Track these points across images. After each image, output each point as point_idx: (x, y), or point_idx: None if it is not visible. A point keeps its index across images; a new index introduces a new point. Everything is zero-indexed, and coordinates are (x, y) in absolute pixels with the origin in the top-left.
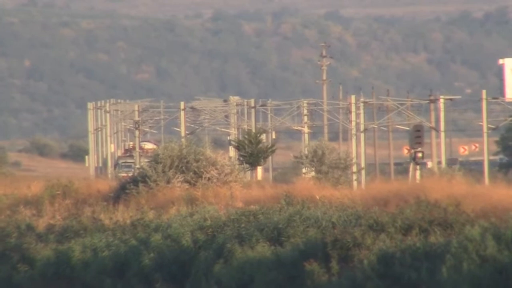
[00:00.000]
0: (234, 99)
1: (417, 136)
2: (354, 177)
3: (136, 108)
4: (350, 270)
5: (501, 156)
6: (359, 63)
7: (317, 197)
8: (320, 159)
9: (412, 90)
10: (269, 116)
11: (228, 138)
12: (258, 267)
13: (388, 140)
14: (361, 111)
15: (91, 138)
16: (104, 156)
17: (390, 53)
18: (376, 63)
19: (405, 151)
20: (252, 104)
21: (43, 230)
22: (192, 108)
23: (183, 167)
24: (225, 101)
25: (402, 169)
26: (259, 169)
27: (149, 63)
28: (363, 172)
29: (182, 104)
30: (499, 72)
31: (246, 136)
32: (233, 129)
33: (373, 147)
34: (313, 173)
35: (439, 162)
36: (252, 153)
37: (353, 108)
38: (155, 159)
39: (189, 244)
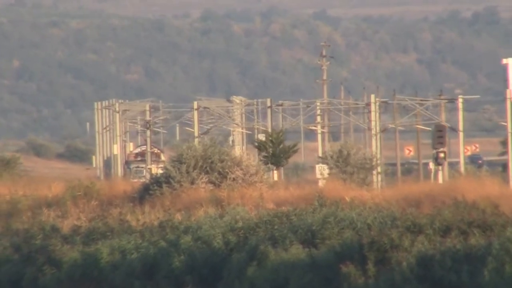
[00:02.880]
0: (238, 99)
1: (439, 136)
2: (379, 178)
3: (147, 108)
4: (388, 272)
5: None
6: (348, 63)
7: (347, 198)
8: (345, 159)
9: (402, 91)
10: (280, 116)
11: (231, 138)
12: (293, 270)
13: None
14: (374, 110)
15: (98, 138)
16: (105, 158)
17: (379, 53)
18: (365, 63)
19: (406, 152)
20: (268, 104)
21: (68, 232)
22: (205, 108)
23: (208, 168)
24: (228, 101)
25: (404, 170)
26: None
27: (139, 63)
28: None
29: (195, 104)
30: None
31: (267, 137)
32: (242, 129)
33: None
34: (326, 174)
35: (439, 163)
36: (274, 153)
37: (372, 108)
38: (178, 159)
39: (220, 246)
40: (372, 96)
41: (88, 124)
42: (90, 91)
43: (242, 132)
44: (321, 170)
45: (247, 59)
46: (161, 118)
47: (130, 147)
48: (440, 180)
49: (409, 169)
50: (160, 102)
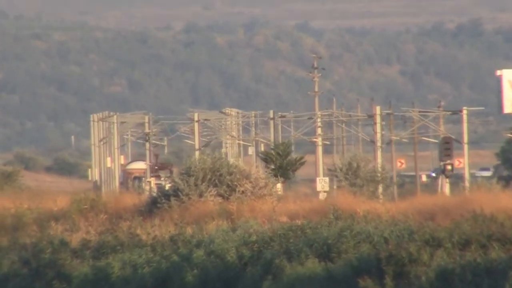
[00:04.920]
0: (234, 111)
1: (446, 148)
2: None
3: (146, 120)
4: (406, 287)
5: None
6: (332, 75)
7: (359, 211)
8: (355, 172)
9: (385, 102)
10: (279, 127)
11: (223, 150)
12: (309, 284)
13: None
14: (379, 122)
15: (94, 150)
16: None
17: (363, 64)
18: (349, 74)
19: (398, 164)
20: (271, 116)
21: (77, 246)
22: (206, 120)
23: (216, 180)
24: (222, 113)
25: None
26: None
27: (122, 75)
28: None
29: (196, 116)
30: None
31: (274, 149)
32: (239, 141)
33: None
34: (327, 187)
35: (446, 175)
36: (281, 165)
37: (377, 120)
38: (187, 172)
39: (234, 260)
40: (378, 108)
41: (73, 137)
42: (74, 103)
43: (240, 144)
44: (322, 183)
45: (230, 71)
46: (154, 130)
47: (121, 159)
48: (447, 192)
49: (401, 182)
50: (150, 114)
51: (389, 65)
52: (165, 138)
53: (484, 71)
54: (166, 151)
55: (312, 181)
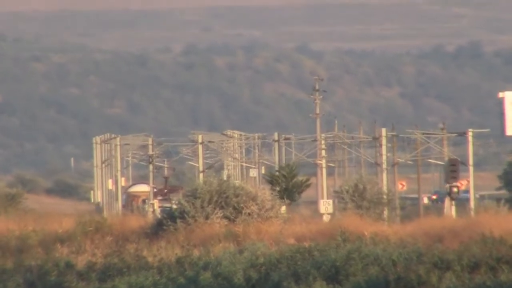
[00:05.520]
0: (236, 133)
1: (452, 170)
2: (397, 213)
3: (149, 142)
4: None
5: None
6: (331, 96)
7: (366, 233)
8: (362, 194)
9: (385, 124)
10: (283, 149)
11: (225, 172)
12: None
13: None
14: (384, 144)
15: (96, 172)
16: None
17: (362, 86)
18: (348, 96)
19: (400, 186)
20: (276, 138)
21: (83, 268)
22: (210, 142)
23: (223, 202)
24: (224, 135)
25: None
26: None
27: (121, 97)
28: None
29: (200, 137)
30: (475, 106)
31: (280, 171)
32: (243, 163)
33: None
34: (330, 209)
35: (452, 198)
36: (287, 187)
37: (383, 142)
38: (193, 194)
39: (241, 283)
40: (383, 130)
41: (72, 159)
42: (73, 125)
43: (242, 165)
44: (326, 205)
45: (230, 93)
46: (157, 152)
47: (122, 181)
48: (453, 215)
49: (403, 205)
50: (151, 136)
51: (389, 87)
52: (165, 160)
53: (483, 93)
54: (166, 172)
55: (313, 203)
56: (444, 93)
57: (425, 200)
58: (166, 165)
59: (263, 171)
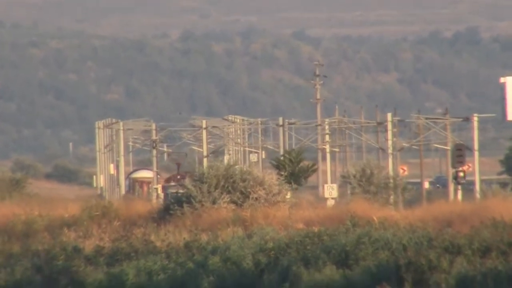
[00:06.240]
0: (239, 118)
1: (459, 155)
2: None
3: (153, 127)
4: None
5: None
6: (329, 82)
7: (375, 218)
8: (369, 178)
9: (383, 110)
10: (287, 134)
11: (225, 157)
12: None
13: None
14: (390, 129)
15: (99, 157)
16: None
17: (360, 72)
18: (346, 82)
19: (401, 171)
20: (281, 123)
21: (91, 253)
22: (214, 127)
23: (230, 187)
24: (225, 120)
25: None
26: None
27: (119, 83)
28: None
29: (204, 123)
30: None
31: (286, 155)
32: (246, 148)
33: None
34: (334, 194)
35: (459, 182)
36: (293, 172)
37: (389, 126)
38: (200, 179)
39: (250, 267)
40: (389, 115)
41: (71, 144)
42: (71, 111)
43: (245, 150)
44: (330, 190)
45: (227, 79)
46: (157, 137)
47: (120, 166)
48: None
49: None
50: (151, 121)
51: (386, 73)
52: (165, 145)
53: (481, 79)
54: (165, 158)
55: (314, 188)
56: (442, 79)
57: (426, 185)
58: (166, 150)
59: (263, 157)
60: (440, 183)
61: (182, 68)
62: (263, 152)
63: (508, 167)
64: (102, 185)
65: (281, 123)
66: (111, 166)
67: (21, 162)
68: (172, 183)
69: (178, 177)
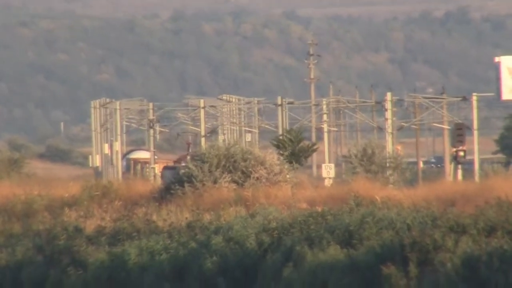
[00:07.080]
0: (234, 97)
1: (459, 134)
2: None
3: (150, 106)
4: (431, 274)
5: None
6: (320, 62)
7: (377, 198)
8: (370, 158)
9: (374, 90)
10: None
11: (221, 137)
12: (331, 271)
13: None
14: (390, 108)
15: (94, 137)
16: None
17: (351, 52)
18: (337, 62)
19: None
20: (279, 102)
21: (92, 232)
22: (211, 106)
23: (231, 167)
24: (219, 99)
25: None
26: None
27: (109, 63)
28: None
29: (202, 102)
30: (463, 71)
31: (287, 135)
32: (242, 127)
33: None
34: (332, 174)
35: (459, 162)
36: (293, 152)
37: (388, 106)
38: (201, 158)
39: (253, 247)
40: (388, 94)
41: (62, 124)
42: (61, 91)
43: (241, 129)
44: (328, 169)
45: (218, 58)
46: (154, 117)
47: (117, 146)
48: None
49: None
50: (145, 100)
51: (377, 53)
52: (157, 125)
53: (472, 59)
54: (158, 138)
55: (309, 167)
56: (433, 59)
57: (421, 165)
58: (159, 128)
59: (257, 137)
60: (440, 163)
61: (172, 48)
62: (257, 132)
63: (503, 146)
64: (98, 165)
65: (279, 102)
66: (106, 145)
67: (13, 142)
68: (183, 164)
69: (188, 157)
